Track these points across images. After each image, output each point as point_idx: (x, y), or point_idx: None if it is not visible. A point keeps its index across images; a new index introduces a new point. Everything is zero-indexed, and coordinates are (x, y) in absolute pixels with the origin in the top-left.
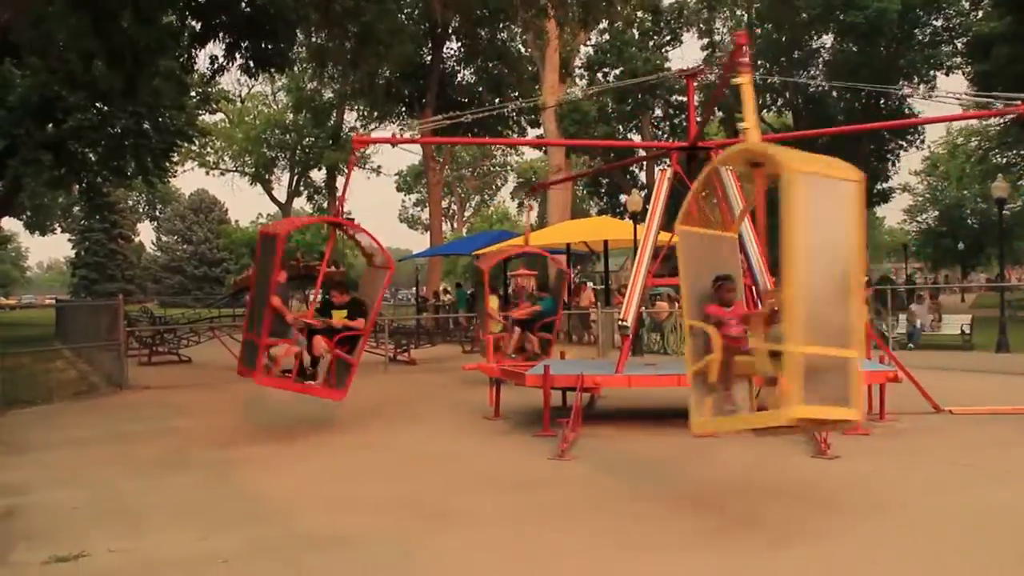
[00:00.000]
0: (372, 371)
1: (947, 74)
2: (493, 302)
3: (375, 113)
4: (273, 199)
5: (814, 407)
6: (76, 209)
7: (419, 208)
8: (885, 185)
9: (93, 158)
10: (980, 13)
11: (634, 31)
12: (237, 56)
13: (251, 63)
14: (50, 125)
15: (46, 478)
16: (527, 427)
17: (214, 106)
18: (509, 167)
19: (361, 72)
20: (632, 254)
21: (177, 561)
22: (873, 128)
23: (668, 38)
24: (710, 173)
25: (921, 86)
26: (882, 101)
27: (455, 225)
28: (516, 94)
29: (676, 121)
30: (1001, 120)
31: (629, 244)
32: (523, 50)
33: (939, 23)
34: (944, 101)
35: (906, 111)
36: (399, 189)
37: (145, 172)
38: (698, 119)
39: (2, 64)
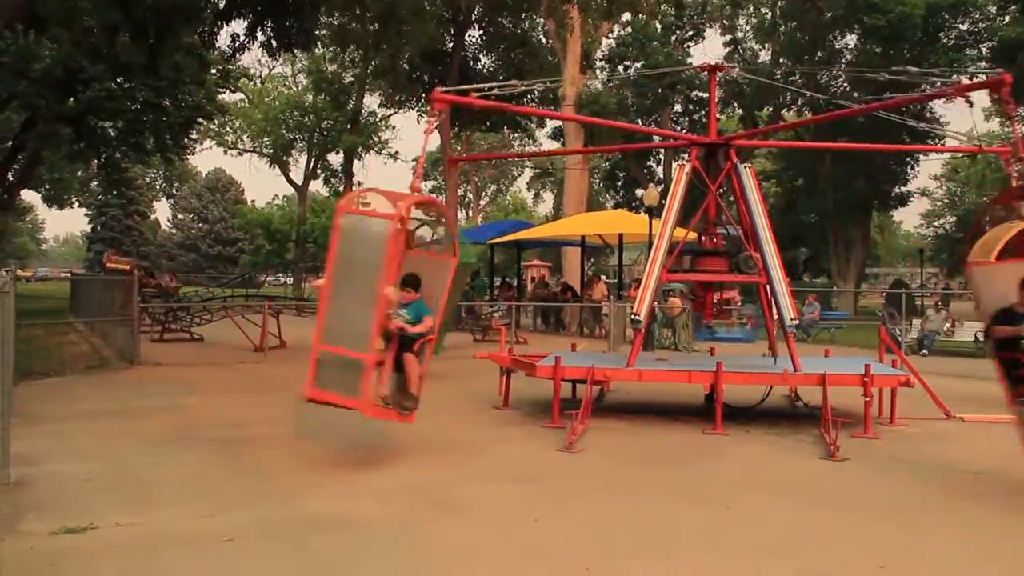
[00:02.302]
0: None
1: (971, 78)
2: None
3: (397, 97)
4: (290, 181)
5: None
6: (94, 184)
7: (435, 195)
8: (903, 189)
9: (112, 133)
10: (1007, 18)
11: (657, 25)
12: (259, 34)
13: (273, 42)
14: (71, 99)
15: (57, 450)
16: (536, 417)
17: (234, 84)
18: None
19: (383, 53)
20: (647, 249)
21: (183, 537)
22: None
23: (691, 33)
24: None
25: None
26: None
27: (471, 213)
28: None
29: (695, 117)
30: None
31: (644, 239)
32: (544, 41)
33: (964, 27)
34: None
35: (928, 114)
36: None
37: (164, 149)
38: (719, 116)
39: (26, 35)
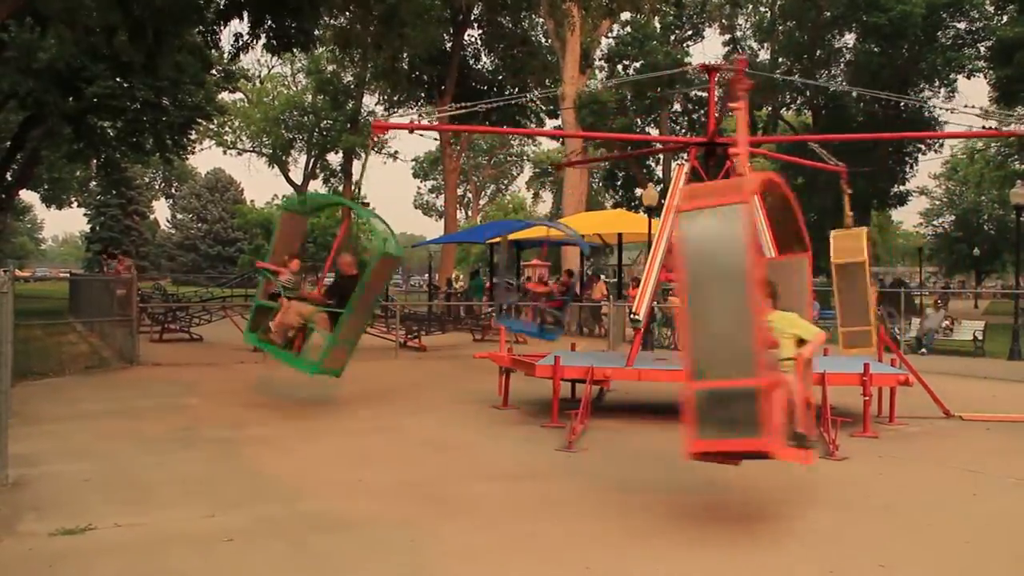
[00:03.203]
0: (383, 357)
1: (968, 77)
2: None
3: (396, 97)
4: (289, 181)
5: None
6: (93, 184)
7: (434, 195)
8: (902, 188)
9: (112, 133)
10: (1005, 18)
11: (656, 24)
12: (261, 34)
13: (275, 41)
14: (71, 98)
15: (56, 450)
16: (535, 417)
17: (234, 84)
18: (526, 156)
19: (384, 54)
20: (646, 248)
21: (183, 537)
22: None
23: (690, 33)
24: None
25: (942, 90)
26: (903, 103)
27: (470, 213)
28: (534, 83)
29: (695, 116)
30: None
31: (643, 238)
32: (544, 40)
33: (962, 26)
34: (965, 113)
35: (926, 114)
36: (415, 175)
37: (163, 148)
38: (717, 115)
39: (32, 31)
